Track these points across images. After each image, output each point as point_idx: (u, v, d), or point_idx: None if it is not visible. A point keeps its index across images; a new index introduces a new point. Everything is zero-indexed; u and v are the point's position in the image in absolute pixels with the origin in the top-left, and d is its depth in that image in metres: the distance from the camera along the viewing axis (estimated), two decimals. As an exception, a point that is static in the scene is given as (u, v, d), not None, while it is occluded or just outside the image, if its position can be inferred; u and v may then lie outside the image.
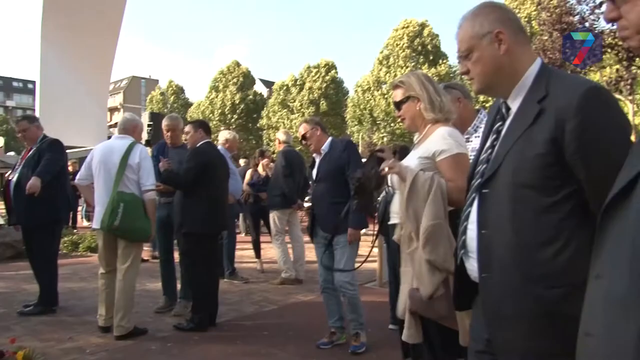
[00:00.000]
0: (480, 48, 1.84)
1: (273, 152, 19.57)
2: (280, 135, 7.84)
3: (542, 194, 1.65)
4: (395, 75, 41.13)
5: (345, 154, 4.66)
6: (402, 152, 4.88)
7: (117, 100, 79.21)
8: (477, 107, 3.84)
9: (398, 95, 2.97)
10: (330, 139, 4.88)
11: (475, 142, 3.33)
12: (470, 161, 2.88)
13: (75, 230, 12.56)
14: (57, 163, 5.80)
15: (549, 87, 1.71)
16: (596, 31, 15.84)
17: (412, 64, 41.64)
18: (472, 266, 1.86)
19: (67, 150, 6.83)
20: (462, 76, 2.33)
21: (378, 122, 43.81)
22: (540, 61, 1.83)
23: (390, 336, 4.68)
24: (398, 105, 2.98)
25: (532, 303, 1.65)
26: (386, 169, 2.78)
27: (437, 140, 2.74)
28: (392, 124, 42.43)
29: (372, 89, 44.37)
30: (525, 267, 1.66)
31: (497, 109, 1.93)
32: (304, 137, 4.95)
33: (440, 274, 2.58)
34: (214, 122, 48.71)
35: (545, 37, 17.90)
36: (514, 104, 1.82)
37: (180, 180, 5.28)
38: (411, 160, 2.83)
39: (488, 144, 1.89)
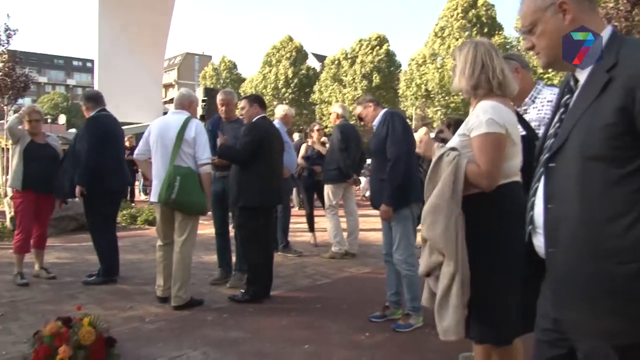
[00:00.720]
0: (544, 21, 1.77)
1: (326, 127, 19.56)
2: (337, 109, 7.77)
3: (612, 166, 1.57)
4: (449, 48, 40.30)
5: (384, 128, 4.58)
6: (457, 125, 4.78)
7: (171, 76, 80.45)
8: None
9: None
10: (382, 112, 4.80)
11: (532, 113, 3.23)
12: (522, 134, 2.78)
13: (133, 204, 12.91)
14: (91, 154, 5.88)
15: (619, 54, 1.62)
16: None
17: (466, 33, 40.66)
18: (539, 242, 1.81)
19: (124, 127, 6.97)
20: (521, 49, 2.22)
21: (432, 96, 43.13)
22: (610, 29, 1.73)
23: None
24: None
25: (601, 279, 1.58)
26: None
27: (474, 116, 2.64)
28: (446, 98, 41.71)
29: (427, 62, 43.63)
30: (594, 242, 1.59)
31: (566, 82, 1.85)
32: (360, 118, 4.93)
33: (437, 257, 2.56)
34: (268, 97, 48.96)
35: (611, 5, 16.99)
36: (582, 76, 1.73)
37: (237, 155, 5.32)
38: (454, 138, 2.76)
39: (556, 118, 1.83)
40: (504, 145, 2.56)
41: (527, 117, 3.17)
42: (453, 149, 2.63)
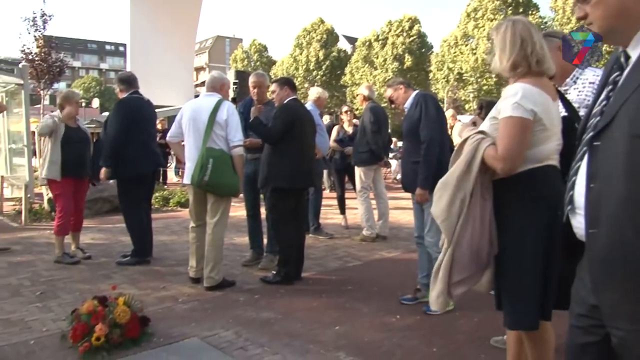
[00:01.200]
0: None
1: (357, 109, 19.48)
2: (364, 90, 7.72)
3: None
4: (484, 29, 39.68)
5: (417, 110, 4.52)
6: (489, 107, 4.70)
7: (202, 59, 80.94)
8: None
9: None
10: (413, 94, 4.74)
11: (572, 94, 3.14)
12: (562, 115, 2.70)
13: (165, 187, 13.07)
14: (117, 137, 5.92)
15: None
16: None
17: (502, 16, 39.93)
18: (578, 223, 1.76)
19: (157, 110, 7.01)
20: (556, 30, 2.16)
21: (465, 79, 42.58)
22: None
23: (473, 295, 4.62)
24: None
25: None
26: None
27: (503, 98, 2.58)
28: (479, 80, 41.14)
29: (459, 43, 43.03)
30: (639, 223, 1.53)
31: (614, 59, 1.77)
32: (391, 101, 4.88)
33: None
34: (299, 79, 49.08)
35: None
36: (635, 52, 1.65)
37: (269, 133, 5.30)
38: (486, 121, 2.70)
39: (603, 95, 1.75)
40: (527, 130, 2.47)
41: (567, 97, 3.08)
42: (481, 132, 2.59)
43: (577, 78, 3.19)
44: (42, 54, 32.59)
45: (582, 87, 3.14)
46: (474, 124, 2.97)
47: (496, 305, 2.82)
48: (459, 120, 9.39)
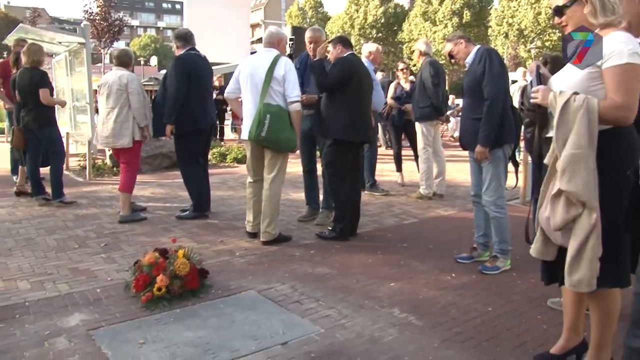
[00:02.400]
0: None
1: (414, 65, 19.09)
2: (421, 46, 7.53)
3: None
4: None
5: (481, 65, 4.35)
6: (554, 62, 4.51)
7: (258, 16, 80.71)
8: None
9: None
10: (475, 49, 4.56)
11: None
12: None
13: (222, 143, 13.24)
14: (177, 93, 5.92)
15: None
16: None
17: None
18: None
19: (213, 67, 7.02)
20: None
21: (526, 35, 41.03)
22: None
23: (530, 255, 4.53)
24: (560, 10, 2.62)
25: None
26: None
27: (607, 45, 2.40)
28: (540, 36, 39.59)
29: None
30: None
31: None
32: (451, 56, 4.71)
33: (575, 211, 2.41)
34: (355, 37, 48.44)
35: None
36: None
37: (324, 78, 5.21)
38: (575, 74, 2.53)
39: None
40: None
41: None
42: (576, 93, 2.45)
43: None
44: (102, 13, 33.22)
45: None
46: (539, 68, 2.81)
47: (546, 280, 2.76)
48: (525, 80, 9.08)
